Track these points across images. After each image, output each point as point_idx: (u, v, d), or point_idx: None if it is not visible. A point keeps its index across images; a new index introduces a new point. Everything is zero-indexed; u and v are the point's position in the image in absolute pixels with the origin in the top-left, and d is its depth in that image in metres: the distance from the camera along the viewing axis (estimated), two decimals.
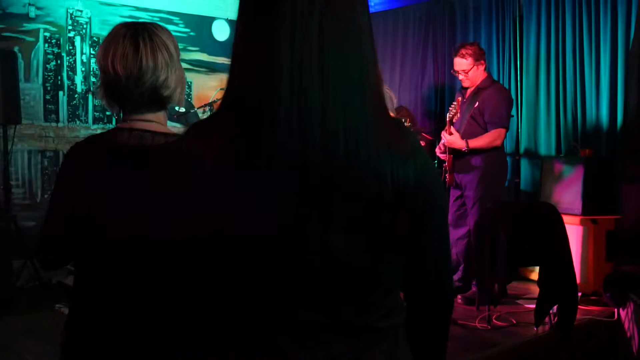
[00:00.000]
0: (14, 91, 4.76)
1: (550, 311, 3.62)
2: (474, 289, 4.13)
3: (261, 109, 0.93)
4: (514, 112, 4.57)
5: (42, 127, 5.39)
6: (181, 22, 6.15)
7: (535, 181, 5.06)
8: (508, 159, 4.70)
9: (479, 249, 3.83)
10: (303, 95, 0.92)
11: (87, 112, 5.65)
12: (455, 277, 4.40)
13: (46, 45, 5.38)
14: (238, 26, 0.99)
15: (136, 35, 1.53)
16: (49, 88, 5.41)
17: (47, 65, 5.40)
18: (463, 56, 4.31)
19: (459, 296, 4.22)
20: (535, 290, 3.91)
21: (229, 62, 1.01)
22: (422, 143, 5.01)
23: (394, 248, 0.99)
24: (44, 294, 4.53)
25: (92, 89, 5.62)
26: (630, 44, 4.47)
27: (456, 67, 4.38)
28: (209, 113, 5.48)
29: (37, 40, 5.32)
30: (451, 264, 1.14)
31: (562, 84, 5.02)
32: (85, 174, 1.52)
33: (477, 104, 4.27)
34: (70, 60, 5.54)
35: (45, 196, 5.34)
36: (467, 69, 4.32)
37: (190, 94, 6.15)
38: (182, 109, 5.10)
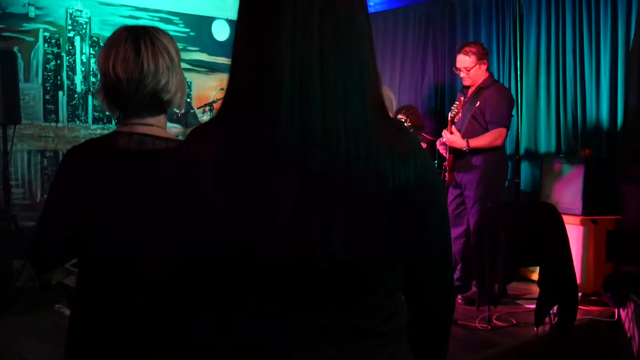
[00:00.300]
0: (13, 91, 4.76)
1: (550, 311, 3.62)
2: (474, 289, 4.13)
3: (261, 109, 0.93)
4: (514, 112, 4.56)
5: (42, 127, 5.39)
6: (181, 22, 6.14)
7: (535, 181, 5.06)
8: (508, 158, 4.70)
9: (479, 249, 3.83)
10: (303, 95, 0.92)
11: (86, 112, 5.65)
12: (454, 276, 4.40)
13: (46, 45, 5.38)
14: (238, 26, 0.99)
15: (137, 39, 1.53)
16: (48, 88, 5.41)
17: (47, 65, 5.40)
18: (467, 53, 4.31)
19: (459, 296, 4.22)
20: (535, 290, 3.91)
21: (229, 62, 1.01)
22: (423, 145, 5.02)
23: (395, 248, 0.98)
24: (44, 294, 4.53)
25: (91, 89, 5.61)
26: (630, 44, 4.47)
27: (458, 65, 4.37)
28: (209, 113, 5.48)
29: (37, 40, 5.32)
30: (452, 265, 1.14)
31: (562, 84, 5.02)
32: (84, 176, 1.51)
33: (478, 103, 4.27)
34: (70, 60, 5.54)
35: (45, 196, 5.32)
36: (469, 66, 4.31)
37: (190, 94, 6.15)
38: (182, 110, 5.10)
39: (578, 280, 3.86)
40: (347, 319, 0.98)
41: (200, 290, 1.04)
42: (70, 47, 5.53)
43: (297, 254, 0.93)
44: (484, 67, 4.36)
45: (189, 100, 6.13)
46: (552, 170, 4.77)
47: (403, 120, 4.92)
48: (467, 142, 4.20)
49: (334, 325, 0.98)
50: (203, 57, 6.26)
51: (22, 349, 3.57)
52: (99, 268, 1.54)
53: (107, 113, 5.62)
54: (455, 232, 4.38)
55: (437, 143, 4.49)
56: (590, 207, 4.44)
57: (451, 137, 4.25)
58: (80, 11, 5.55)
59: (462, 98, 4.38)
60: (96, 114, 5.71)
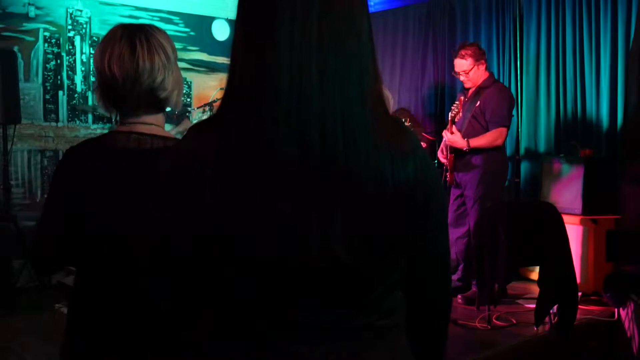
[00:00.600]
0: (13, 91, 4.76)
1: (550, 311, 3.62)
2: (474, 289, 4.13)
3: (260, 109, 0.93)
4: (514, 111, 4.56)
5: (42, 126, 5.39)
6: (181, 21, 6.14)
7: (535, 181, 5.05)
8: (508, 158, 4.70)
9: (479, 249, 3.83)
10: (302, 95, 0.92)
11: (86, 112, 5.64)
12: (455, 276, 4.40)
13: (46, 44, 5.37)
14: (237, 27, 0.99)
15: (133, 37, 1.52)
16: (48, 88, 5.41)
17: (47, 65, 5.39)
18: (463, 57, 4.31)
19: (459, 296, 4.22)
20: (535, 290, 3.91)
21: (229, 62, 1.01)
22: (423, 144, 5.02)
23: (394, 248, 0.99)
24: (44, 294, 4.52)
25: (90, 89, 5.61)
26: (630, 44, 4.47)
27: (457, 69, 4.38)
28: (209, 113, 5.48)
29: (37, 40, 5.31)
30: (450, 263, 1.15)
31: (562, 84, 5.01)
32: (82, 176, 1.51)
33: (478, 103, 4.27)
34: (70, 60, 5.53)
35: (45, 196, 5.32)
36: (467, 69, 4.32)
37: (190, 94, 6.15)
38: (179, 108, 5.10)
39: (578, 280, 3.86)
40: (347, 316, 0.98)
41: (200, 290, 1.04)
42: (70, 47, 5.52)
43: (296, 254, 0.93)
44: (482, 67, 4.36)
45: (188, 100, 6.13)
46: (552, 170, 4.77)
47: (403, 119, 4.92)
48: (468, 142, 4.20)
49: (333, 323, 0.98)
50: (203, 56, 6.26)
51: (22, 349, 3.57)
52: (97, 267, 1.54)
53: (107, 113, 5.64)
54: (457, 232, 4.38)
55: (439, 154, 4.49)
56: (590, 207, 4.44)
57: (452, 137, 4.25)
58: (80, 11, 5.54)
59: (462, 98, 4.38)
60: (96, 113, 5.70)
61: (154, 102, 1.56)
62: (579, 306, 3.73)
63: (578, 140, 4.77)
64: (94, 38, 5.63)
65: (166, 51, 1.56)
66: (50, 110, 5.43)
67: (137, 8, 5.86)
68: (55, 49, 5.43)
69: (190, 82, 6.10)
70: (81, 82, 5.60)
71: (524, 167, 5.26)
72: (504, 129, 4.29)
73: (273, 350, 0.97)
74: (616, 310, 3.87)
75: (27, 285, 4.85)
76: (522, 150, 5.25)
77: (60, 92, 5.48)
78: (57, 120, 5.47)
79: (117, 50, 1.51)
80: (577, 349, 3.68)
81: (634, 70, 4.34)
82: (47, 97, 5.41)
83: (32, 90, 5.32)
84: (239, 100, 0.97)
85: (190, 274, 1.03)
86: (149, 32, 1.55)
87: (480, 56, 4.33)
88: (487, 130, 4.29)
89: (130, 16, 5.78)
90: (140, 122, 1.56)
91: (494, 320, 3.75)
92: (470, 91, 4.42)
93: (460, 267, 4.43)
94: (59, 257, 1.57)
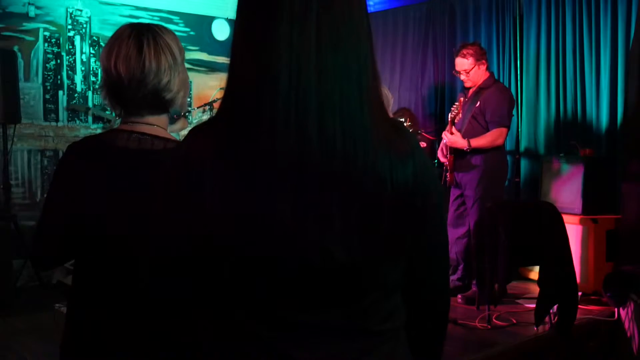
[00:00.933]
0: (13, 90, 4.76)
1: (550, 311, 3.62)
2: (474, 288, 4.13)
3: (259, 109, 0.93)
4: (514, 111, 4.56)
5: (42, 126, 5.39)
6: (181, 21, 6.14)
7: (535, 180, 5.05)
8: (508, 158, 4.70)
9: (479, 249, 3.83)
10: (301, 95, 0.92)
11: (86, 112, 5.64)
12: (455, 276, 4.40)
13: (46, 44, 5.38)
14: (236, 26, 0.99)
15: (140, 37, 1.52)
16: (48, 87, 5.41)
17: (47, 65, 5.39)
18: (464, 56, 4.31)
19: (459, 296, 4.22)
20: (535, 290, 3.91)
21: (228, 62, 1.01)
22: (423, 144, 5.03)
23: (393, 249, 0.99)
24: (44, 294, 4.52)
25: (91, 88, 5.61)
26: (630, 44, 4.47)
27: (457, 68, 4.38)
28: (209, 113, 5.48)
29: (37, 40, 5.32)
30: (449, 264, 1.15)
31: (562, 83, 5.01)
32: (82, 174, 1.51)
33: (478, 103, 4.27)
34: (70, 59, 5.53)
35: (45, 196, 5.33)
36: (468, 68, 4.32)
37: (190, 94, 6.15)
38: (184, 110, 5.10)
39: (578, 280, 3.86)
40: (345, 318, 0.98)
41: (199, 290, 1.04)
42: (70, 47, 5.52)
43: (294, 255, 0.93)
44: (483, 67, 4.36)
45: (188, 99, 6.13)
46: (552, 169, 4.77)
47: (402, 120, 4.92)
48: (468, 142, 4.20)
49: (332, 325, 0.98)
50: (203, 56, 6.26)
51: (22, 349, 3.57)
52: (97, 267, 1.54)
53: (107, 112, 5.64)
54: (457, 232, 4.38)
55: (439, 153, 4.49)
56: (590, 207, 4.44)
57: (452, 138, 4.25)
58: (80, 10, 5.54)
59: (462, 98, 4.38)
60: (93, 114, 5.70)
61: (159, 103, 1.55)
62: (579, 306, 3.73)
63: (578, 140, 4.77)
64: (94, 38, 5.63)
65: (173, 52, 1.55)
66: (50, 110, 5.43)
67: (137, 8, 5.86)
68: (55, 49, 5.43)
69: (190, 82, 6.07)
70: (81, 81, 5.60)
71: (524, 166, 5.26)
72: (504, 129, 4.29)
73: (272, 352, 0.97)
74: (616, 310, 3.87)
75: (27, 285, 4.85)
76: (522, 150, 5.26)
77: (60, 92, 5.48)
78: (57, 120, 5.47)
79: (124, 50, 1.50)
80: (577, 349, 3.68)
81: (634, 70, 4.34)
82: (47, 96, 5.41)
83: (32, 90, 5.32)
84: (238, 100, 0.97)
85: (190, 274, 1.03)
86: (156, 33, 1.54)
87: (481, 56, 4.33)
88: (487, 130, 4.29)
89: (130, 16, 5.78)
90: (143, 122, 1.56)
91: (494, 320, 3.75)
92: (471, 91, 4.42)
93: (461, 267, 4.43)
94: (58, 256, 1.57)
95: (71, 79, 5.55)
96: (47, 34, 5.37)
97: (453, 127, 4.27)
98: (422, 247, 1.04)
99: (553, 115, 5.07)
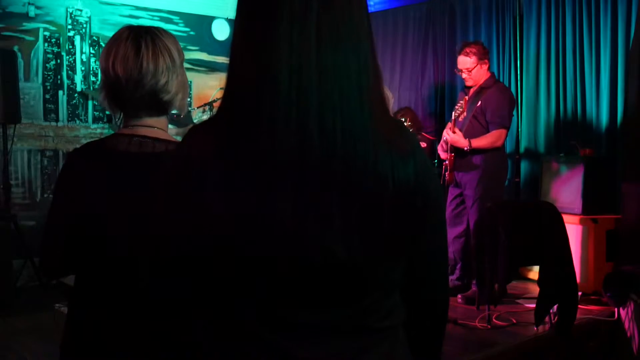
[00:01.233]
0: (13, 90, 4.76)
1: (550, 311, 3.62)
2: (474, 288, 4.13)
3: (259, 108, 0.93)
4: (514, 111, 4.57)
5: (42, 126, 5.39)
6: (181, 21, 6.14)
7: (535, 180, 5.06)
8: (508, 158, 4.70)
9: (479, 249, 3.83)
10: (301, 94, 0.91)
11: (86, 112, 5.65)
12: (453, 276, 4.40)
13: (46, 44, 5.38)
14: (236, 26, 0.99)
15: (138, 38, 1.52)
16: (48, 87, 5.41)
17: (47, 65, 5.40)
18: (467, 54, 4.30)
19: (459, 296, 4.22)
20: (535, 290, 3.91)
21: (228, 62, 1.01)
22: (423, 144, 5.03)
23: (393, 248, 0.99)
24: (44, 294, 4.52)
25: (91, 88, 5.61)
26: (630, 44, 4.47)
27: (460, 66, 4.37)
28: (209, 112, 5.48)
29: (37, 40, 5.32)
30: (448, 263, 1.16)
31: (562, 83, 5.02)
32: (84, 180, 1.51)
33: (479, 103, 4.27)
34: (70, 59, 5.54)
35: (45, 195, 5.34)
36: (470, 67, 4.31)
37: (190, 94, 6.15)
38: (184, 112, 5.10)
39: (578, 280, 3.86)
40: (346, 317, 0.98)
41: (200, 290, 1.04)
42: (70, 47, 5.53)
43: (295, 254, 0.93)
44: (485, 66, 4.36)
45: (188, 99, 6.13)
46: (552, 169, 4.77)
47: (403, 120, 4.92)
48: (469, 142, 4.20)
49: (332, 324, 0.98)
50: (203, 56, 6.26)
51: (22, 349, 3.57)
52: (99, 268, 1.54)
53: (107, 112, 5.64)
54: (454, 231, 4.38)
55: (439, 149, 4.49)
56: (590, 207, 4.44)
57: (453, 137, 4.25)
58: (80, 10, 5.55)
59: (466, 97, 4.37)
60: (96, 113, 5.71)
61: (157, 104, 1.55)
62: (579, 306, 3.74)
63: (578, 140, 4.78)
64: (94, 38, 5.63)
65: (171, 54, 1.55)
66: (50, 110, 5.43)
67: (137, 8, 5.86)
68: (55, 49, 5.44)
69: (190, 82, 6.09)
70: (81, 81, 5.60)
71: (524, 166, 5.26)
72: (504, 130, 4.29)
73: (272, 351, 0.97)
74: (616, 310, 3.87)
75: (27, 285, 4.85)
76: (522, 150, 5.26)
77: (60, 92, 5.49)
78: (57, 120, 5.47)
79: (122, 51, 1.51)
80: (577, 349, 3.68)
81: (634, 70, 4.34)
82: (47, 96, 5.41)
83: (32, 89, 5.32)
84: (238, 100, 0.97)
85: (190, 274, 1.03)
86: (155, 34, 1.54)
87: (483, 55, 4.33)
88: (487, 130, 4.29)
89: (130, 16, 5.78)
90: (143, 124, 1.56)
91: (494, 320, 3.75)
92: (472, 90, 4.42)
93: (458, 266, 4.43)
94: (67, 266, 1.57)
95: (71, 78, 5.55)
96: (47, 33, 5.37)
97: (455, 127, 4.27)
98: (422, 247, 1.04)
99: (553, 115, 5.08)
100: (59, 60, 5.46)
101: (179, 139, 1.35)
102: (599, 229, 4.35)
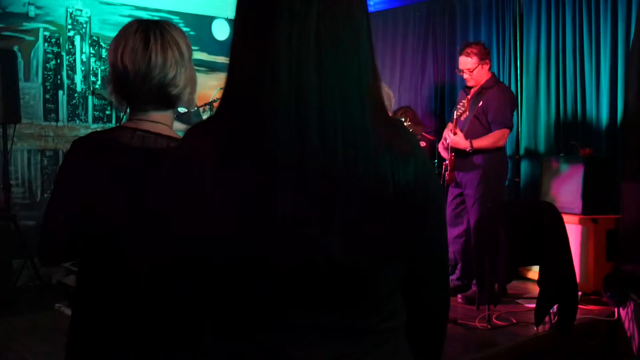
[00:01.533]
0: (13, 90, 4.76)
1: (550, 311, 3.62)
2: (474, 288, 4.13)
3: (259, 108, 0.93)
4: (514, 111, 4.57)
5: (42, 126, 5.39)
6: (181, 21, 6.14)
7: (535, 180, 5.06)
8: (508, 158, 4.70)
9: (479, 249, 3.83)
10: (300, 94, 0.91)
11: (86, 112, 5.65)
12: (454, 276, 4.40)
13: (46, 44, 5.37)
14: (235, 26, 0.99)
15: (147, 31, 1.52)
16: (48, 87, 5.41)
17: (47, 65, 5.39)
18: (468, 55, 4.30)
19: (459, 296, 4.22)
20: (535, 289, 3.91)
21: (228, 62, 1.00)
22: (423, 144, 5.03)
23: (393, 249, 0.98)
24: (44, 294, 4.52)
25: (91, 88, 5.61)
26: (630, 44, 4.47)
27: (461, 66, 4.37)
28: (209, 112, 5.48)
29: (37, 40, 5.31)
30: (448, 262, 1.15)
31: (562, 83, 5.02)
32: (85, 171, 1.51)
33: (480, 103, 4.27)
34: (70, 59, 5.53)
35: (45, 195, 5.34)
36: (472, 67, 4.31)
37: None
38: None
39: (578, 280, 3.86)
40: (346, 319, 0.98)
41: (200, 291, 1.04)
42: (70, 47, 5.52)
43: (295, 255, 0.93)
44: (486, 67, 4.36)
45: None
46: (552, 169, 4.77)
47: (403, 119, 4.92)
48: (471, 143, 4.20)
49: (333, 326, 0.98)
50: (203, 56, 6.26)
51: (22, 349, 3.57)
52: (100, 266, 1.54)
53: (108, 112, 5.65)
54: (455, 231, 4.38)
55: (439, 147, 4.49)
56: (590, 206, 4.44)
57: (454, 138, 4.25)
58: (80, 10, 5.54)
59: (468, 97, 4.37)
60: (96, 113, 5.71)
61: (164, 98, 1.55)
62: (579, 306, 3.73)
63: (578, 140, 4.78)
64: (94, 38, 5.63)
65: (180, 48, 1.55)
66: (50, 110, 5.43)
67: (137, 8, 5.86)
68: (55, 49, 5.43)
69: None
70: (81, 81, 5.60)
71: (524, 166, 5.26)
72: (506, 130, 4.29)
73: (272, 352, 0.97)
74: (616, 309, 3.87)
75: (27, 285, 4.85)
76: (522, 150, 5.26)
77: (60, 92, 5.48)
78: (57, 120, 5.47)
79: (130, 44, 1.50)
80: (577, 349, 3.68)
81: (634, 69, 4.34)
82: (47, 96, 5.41)
83: (32, 89, 5.32)
84: (238, 100, 0.97)
85: (190, 274, 1.03)
86: (164, 28, 1.54)
87: (485, 55, 4.33)
88: (488, 130, 4.29)
89: (130, 16, 5.77)
90: (148, 119, 1.55)
91: (494, 320, 3.75)
92: (473, 91, 4.42)
93: (458, 266, 4.43)
94: (63, 251, 1.57)
95: (71, 78, 5.55)
96: (47, 33, 5.37)
97: (457, 127, 4.27)
98: (423, 247, 1.03)
99: (553, 115, 5.07)
100: (59, 60, 5.46)
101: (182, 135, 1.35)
102: (599, 229, 4.35)
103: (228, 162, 0.95)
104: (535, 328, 3.61)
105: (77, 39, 5.55)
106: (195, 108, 5.49)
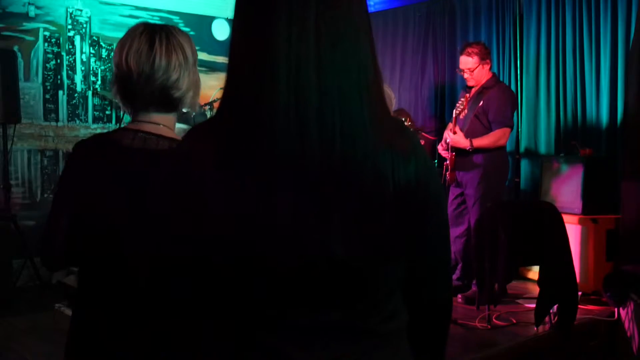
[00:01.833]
0: (13, 90, 4.76)
1: (550, 311, 3.62)
2: (474, 288, 4.13)
3: (259, 109, 0.93)
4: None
5: (42, 126, 5.39)
6: (181, 21, 6.14)
7: (535, 180, 5.06)
8: (509, 158, 4.70)
9: (479, 249, 3.83)
10: (300, 93, 0.91)
11: (86, 112, 5.65)
12: (455, 276, 4.40)
13: (46, 44, 5.37)
14: (235, 25, 0.99)
15: (153, 34, 1.53)
16: (48, 87, 5.41)
17: (47, 65, 5.39)
18: (469, 54, 4.30)
19: (459, 295, 4.22)
20: (535, 290, 3.91)
21: (227, 61, 1.00)
22: (422, 142, 5.02)
23: (394, 248, 0.98)
24: (44, 294, 4.52)
25: (92, 88, 5.61)
26: (630, 44, 4.47)
27: (461, 66, 4.37)
28: (209, 112, 5.48)
29: (37, 40, 5.31)
30: (450, 262, 1.15)
31: (562, 83, 5.01)
32: (88, 172, 1.52)
33: (481, 103, 4.27)
34: (70, 59, 5.53)
35: (45, 195, 5.34)
36: (472, 67, 4.31)
37: None
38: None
39: (578, 280, 3.86)
40: (346, 319, 0.98)
41: (200, 291, 1.04)
42: (70, 47, 5.52)
43: (295, 255, 0.93)
44: (487, 67, 4.36)
45: None
46: (552, 169, 4.77)
47: (403, 119, 4.92)
48: (471, 142, 4.20)
49: (333, 326, 0.97)
50: (203, 56, 6.25)
51: (22, 349, 3.57)
52: (101, 267, 1.54)
53: (107, 112, 5.65)
54: (456, 231, 4.38)
55: (439, 148, 4.49)
56: (590, 206, 4.44)
57: (455, 137, 4.25)
58: (81, 10, 5.54)
59: (468, 95, 4.37)
60: (96, 113, 5.71)
61: (167, 100, 1.56)
62: (579, 306, 3.73)
63: (578, 140, 4.78)
64: (94, 38, 5.63)
65: (185, 52, 1.56)
66: (50, 110, 5.43)
67: (137, 8, 5.85)
68: (55, 49, 5.43)
69: None
70: (81, 81, 5.60)
71: (524, 166, 5.26)
72: (507, 129, 4.29)
73: (272, 352, 0.97)
74: (616, 309, 3.87)
75: (27, 285, 4.85)
76: (522, 150, 5.26)
77: (60, 92, 5.48)
78: (57, 120, 5.47)
79: (135, 45, 1.52)
80: (577, 349, 3.68)
81: (634, 69, 4.33)
82: (47, 96, 5.41)
83: (32, 89, 5.32)
84: (237, 99, 0.97)
85: (190, 274, 1.03)
86: (169, 32, 1.56)
87: (485, 55, 4.33)
88: (489, 130, 4.29)
89: (130, 16, 5.78)
90: (150, 121, 1.56)
91: (494, 320, 3.75)
92: (473, 90, 4.42)
93: (459, 266, 4.43)
94: (67, 258, 1.57)
95: (71, 78, 5.55)
96: (47, 33, 5.37)
97: (456, 126, 4.27)
98: (424, 247, 1.03)
99: (553, 115, 5.07)
100: (59, 60, 5.46)
101: None
102: (599, 229, 4.35)
103: (228, 162, 0.94)
104: (535, 328, 3.60)
105: (77, 39, 5.55)
106: (201, 109, 5.49)
